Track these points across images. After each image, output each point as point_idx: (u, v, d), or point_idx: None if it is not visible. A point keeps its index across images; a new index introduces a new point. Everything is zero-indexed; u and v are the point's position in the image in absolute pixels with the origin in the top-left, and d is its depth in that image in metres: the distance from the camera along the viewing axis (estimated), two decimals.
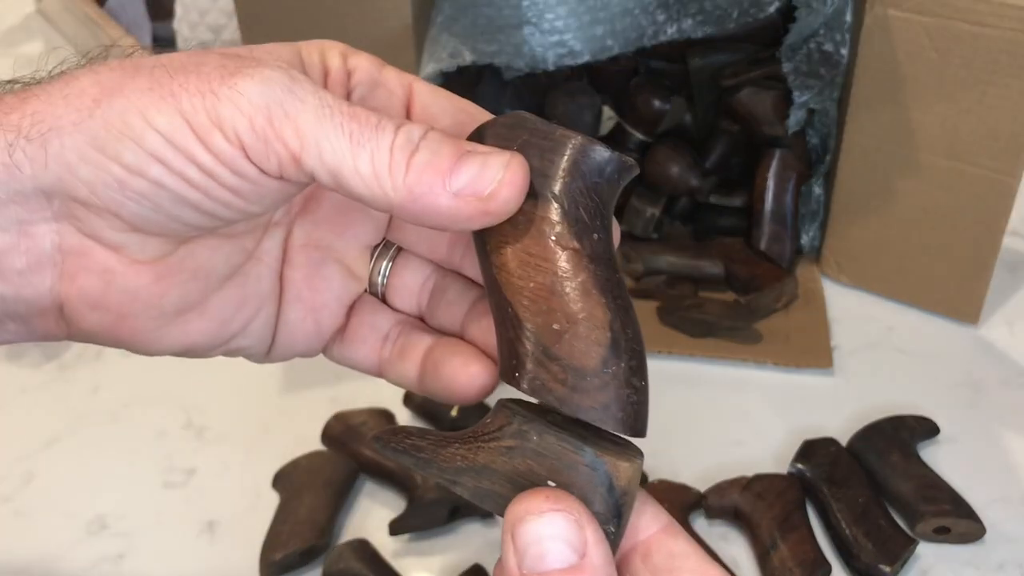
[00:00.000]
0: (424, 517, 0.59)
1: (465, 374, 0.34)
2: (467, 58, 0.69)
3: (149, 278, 0.31)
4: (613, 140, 0.80)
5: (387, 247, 0.37)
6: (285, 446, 0.64)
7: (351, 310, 0.37)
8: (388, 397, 0.67)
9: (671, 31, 0.72)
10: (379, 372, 0.37)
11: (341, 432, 0.63)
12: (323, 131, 0.29)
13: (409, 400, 0.66)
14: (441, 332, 0.36)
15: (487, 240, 0.31)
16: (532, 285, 0.30)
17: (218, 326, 0.34)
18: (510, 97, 0.78)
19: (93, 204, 0.29)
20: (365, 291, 0.37)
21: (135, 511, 0.61)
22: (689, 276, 0.76)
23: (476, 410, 0.65)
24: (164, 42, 1.04)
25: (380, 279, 0.37)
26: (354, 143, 0.29)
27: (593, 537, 0.29)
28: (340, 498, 0.60)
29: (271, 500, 0.61)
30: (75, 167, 0.29)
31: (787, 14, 0.70)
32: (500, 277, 0.31)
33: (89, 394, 0.70)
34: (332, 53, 0.34)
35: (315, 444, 0.64)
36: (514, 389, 0.31)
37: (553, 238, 0.30)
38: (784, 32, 0.70)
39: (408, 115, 0.34)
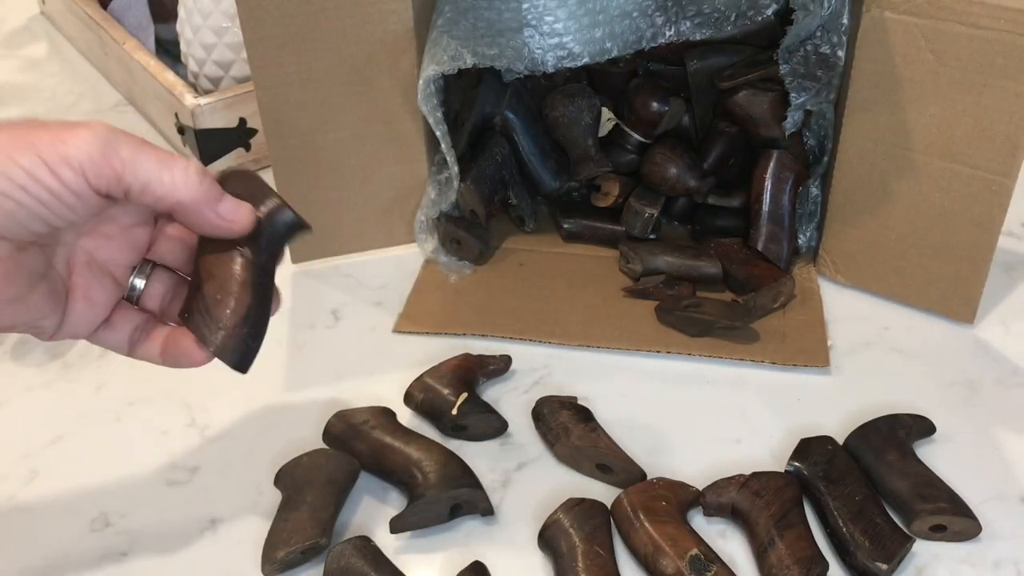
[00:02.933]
0: (425, 515, 0.59)
1: (195, 349, 0.52)
2: (468, 61, 0.69)
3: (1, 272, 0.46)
4: (612, 141, 0.81)
5: (143, 266, 0.54)
6: (287, 444, 0.64)
7: (114, 308, 0.53)
8: (388, 396, 0.68)
9: (669, 33, 0.73)
10: (129, 352, 0.54)
11: (343, 430, 0.63)
12: (139, 158, 0.46)
13: (410, 399, 0.67)
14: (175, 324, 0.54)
15: (205, 243, 0.51)
16: (216, 272, 0.51)
17: (34, 312, 0.49)
18: (510, 98, 0.78)
19: None
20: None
21: (138, 509, 0.62)
22: (687, 276, 0.76)
23: (475, 409, 0.65)
24: (167, 44, 1.04)
25: (135, 290, 0.54)
26: (162, 165, 0.47)
27: None
28: (342, 496, 0.61)
29: (273, 498, 0.61)
30: None
31: (784, 16, 0.70)
32: (200, 263, 0.51)
33: (93, 393, 0.70)
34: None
35: (317, 442, 0.64)
36: None
37: (239, 249, 0.50)
38: (781, 34, 0.70)
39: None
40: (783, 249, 0.76)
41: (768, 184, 0.75)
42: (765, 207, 0.76)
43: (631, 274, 0.78)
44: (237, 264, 0.50)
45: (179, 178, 0.46)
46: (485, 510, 0.60)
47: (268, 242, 0.51)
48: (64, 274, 0.51)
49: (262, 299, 0.51)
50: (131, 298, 0.54)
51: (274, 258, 0.52)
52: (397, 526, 0.59)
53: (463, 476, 0.60)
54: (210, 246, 0.51)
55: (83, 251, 0.51)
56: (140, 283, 0.54)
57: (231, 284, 0.50)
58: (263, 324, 0.52)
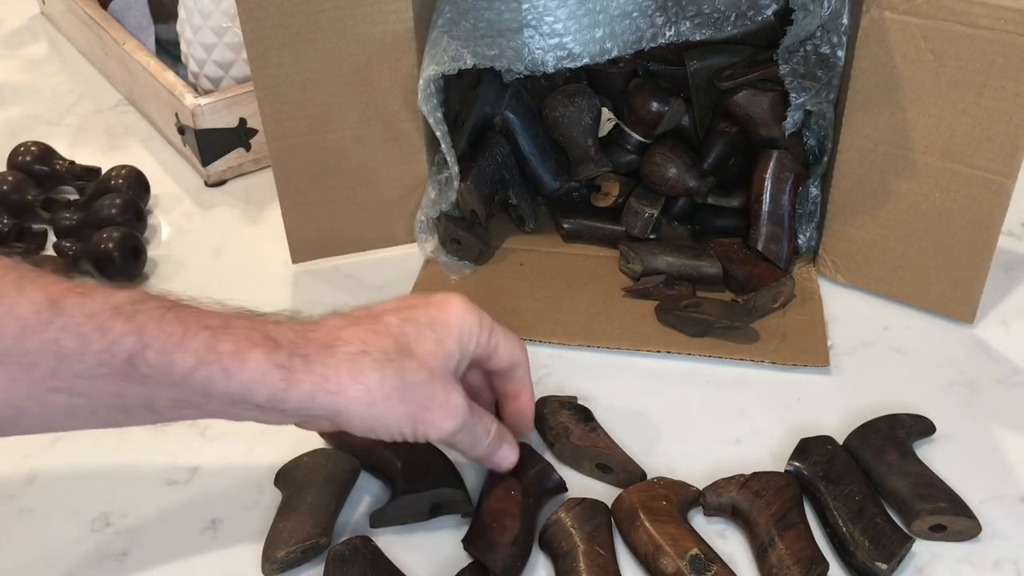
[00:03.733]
0: (404, 512, 0.59)
1: None
2: (468, 61, 0.69)
3: None
4: (612, 141, 0.81)
5: None
6: (287, 444, 0.64)
7: None
8: None
9: (669, 34, 0.73)
10: None
11: None
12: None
13: None
14: None
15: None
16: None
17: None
18: (510, 98, 0.78)
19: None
20: None
21: (138, 509, 0.62)
22: (687, 276, 0.76)
23: None
24: (167, 44, 1.04)
25: None
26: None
27: None
28: (342, 496, 0.61)
29: (273, 498, 0.61)
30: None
31: (784, 17, 0.70)
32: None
33: None
34: (470, 342, 0.58)
35: (317, 442, 0.64)
36: None
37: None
38: (781, 34, 0.70)
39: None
40: (783, 249, 0.76)
41: (768, 184, 0.75)
42: (765, 207, 0.76)
43: (631, 274, 0.78)
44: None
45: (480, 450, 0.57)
46: (465, 512, 0.60)
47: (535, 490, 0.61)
48: None
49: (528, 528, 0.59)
50: None
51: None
52: (376, 521, 0.59)
53: (445, 476, 0.60)
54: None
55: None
56: None
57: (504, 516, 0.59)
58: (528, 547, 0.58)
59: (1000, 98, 0.64)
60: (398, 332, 0.52)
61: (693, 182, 0.77)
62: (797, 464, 0.61)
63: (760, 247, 0.76)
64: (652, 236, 0.79)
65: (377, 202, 0.80)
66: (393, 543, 0.59)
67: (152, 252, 0.83)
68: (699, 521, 0.60)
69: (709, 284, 0.76)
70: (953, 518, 0.58)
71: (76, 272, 0.80)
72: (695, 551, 0.56)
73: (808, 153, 0.77)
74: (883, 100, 0.69)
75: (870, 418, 0.64)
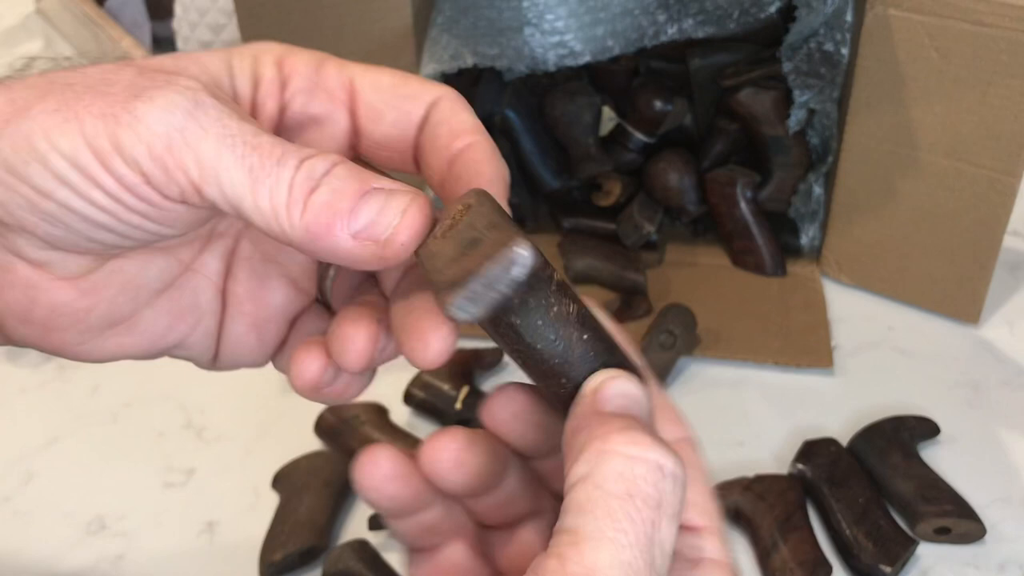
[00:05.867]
0: None
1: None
2: (469, 61, 0.69)
3: (73, 294, 0.31)
4: (614, 140, 0.80)
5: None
6: (285, 446, 0.64)
7: (294, 322, 0.36)
8: (386, 397, 0.67)
9: (672, 31, 0.72)
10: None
11: (333, 424, 0.63)
12: (223, 163, 0.28)
13: (410, 398, 0.66)
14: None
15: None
16: None
17: (150, 340, 0.34)
18: (510, 97, 0.78)
19: (9, 223, 0.29)
20: (313, 301, 0.36)
21: (135, 511, 0.61)
22: (610, 284, 0.76)
23: (479, 401, 0.65)
24: (164, 42, 1.04)
25: (328, 287, 0.36)
26: (253, 178, 0.28)
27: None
28: (340, 498, 0.60)
29: (271, 500, 0.61)
30: None
31: (787, 14, 0.70)
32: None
33: (88, 394, 0.70)
34: (265, 60, 0.32)
35: (315, 444, 0.64)
36: None
37: None
38: (784, 32, 0.70)
39: (354, 117, 0.33)
40: (763, 258, 0.77)
41: (717, 205, 0.77)
42: (727, 228, 0.77)
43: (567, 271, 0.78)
44: None
45: (278, 203, 0.28)
46: None
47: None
48: (214, 280, 0.35)
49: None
50: (324, 299, 0.36)
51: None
52: (375, 524, 0.59)
53: None
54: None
55: (247, 244, 0.35)
56: (332, 274, 0.36)
57: None
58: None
59: (1005, 96, 0.64)
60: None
61: (690, 207, 0.77)
62: (801, 466, 0.61)
63: (735, 262, 0.78)
64: (653, 237, 0.79)
65: None
66: (391, 546, 0.59)
67: None
68: None
69: (633, 293, 0.75)
70: (958, 520, 0.58)
71: None
72: None
73: (812, 152, 0.76)
74: (887, 98, 0.68)
75: (874, 420, 0.63)
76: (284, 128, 0.33)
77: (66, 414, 0.68)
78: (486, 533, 0.35)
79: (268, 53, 0.32)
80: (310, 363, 0.32)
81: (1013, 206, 0.67)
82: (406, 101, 0.32)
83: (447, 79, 0.74)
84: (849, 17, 0.69)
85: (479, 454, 0.32)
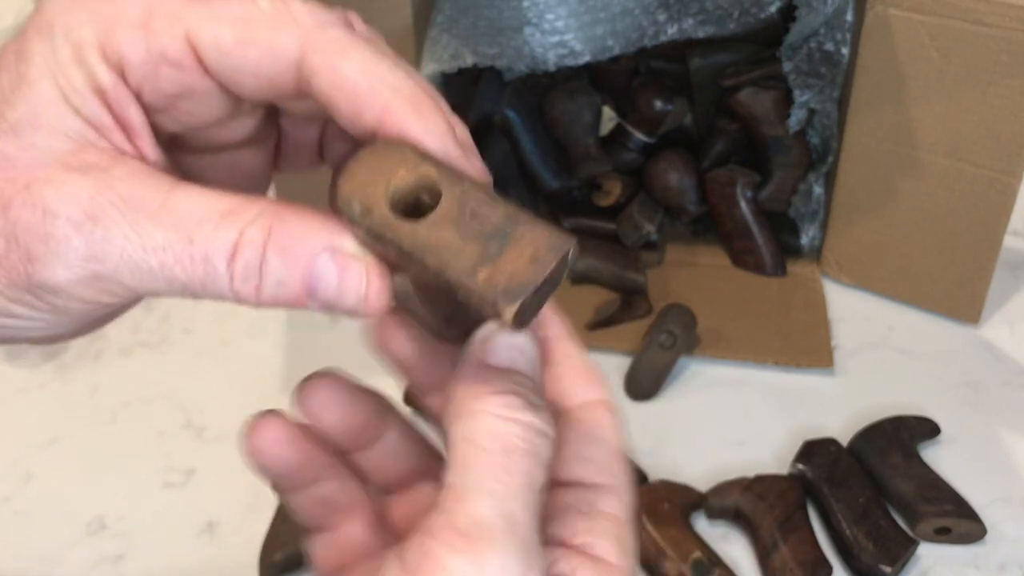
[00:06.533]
0: None
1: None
2: (469, 60, 0.69)
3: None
4: (614, 140, 0.80)
5: None
6: None
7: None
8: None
9: (672, 31, 0.72)
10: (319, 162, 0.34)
11: None
12: (153, 286, 0.27)
13: (410, 400, 0.66)
14: None
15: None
16: None
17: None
18: (509, 96, 0.77)
19: None
20: None
21: (134, 511, 0.61)
22: (610, 284, 0.76)
23: None
24: None
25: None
26: (191, 291, 0.27)
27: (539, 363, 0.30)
28: None
29: (271, 500, 0.60)
30: None
31: (788, 13, 0.70)
32: None
33: (88, 394, 0.70)
34: (89, 58, 0.27)
35: None
36: None
37: None
38: (784, 32, 0.70)
39: (209, 74, 0.28)
40: (763, 258, 0.77)
41: (717, 205, 0.76)
42: (727, 228, 0.77)
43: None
44: None
45: (227, 298, 0.28)
46: None
47: None
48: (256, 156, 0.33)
49: None
50: None
51: None
52: None
53: None
54: None
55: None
56: None
57: None
58: None
59: (1005, 96, 0.64)
60: None
61: (690, 207, 0.77)
62: (801, 466, 0.61)
63: (735, 262, 0.77)
64: (653, 237, 0.79)
65: None
66: None
67: None
68: (702, 524, 0.60)
69: (633, 293, 0.75)
70: (958, 520, 0.58)
71: None
72: (698, 555, 0.55)
73: (812, 152, 0.76)
74: (887, 98, 0.68)
75: (874, 420, 0.63)
76: (163, 118, 0.29)
77: (66, 414, 0.68)
78: (385, 503, 0.35)
79: (88, 46, 0.27)
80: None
81: (1013, 206, 0.67)
82: (259, 66, 0.28)
83: (447, 79, 0.74)
84: (849, 17, 0.69)
85: (355, 398, 0.33)
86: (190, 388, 0.69)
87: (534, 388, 0.28)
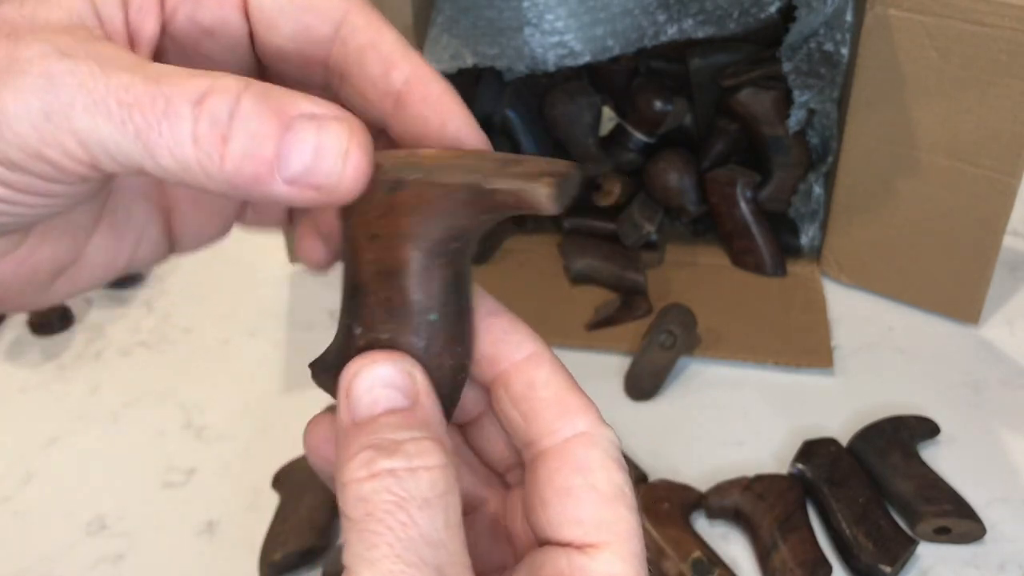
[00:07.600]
0: None
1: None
2: (469, 61, 0.69)
3: (12, 266, 0.28)
4: (614, 140, 0.80)
5: None
6: (285, 446, 0.64)
7: None
8: None
9: (672, 31, 0.72)
10: (288, 223, 0.33)
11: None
12: (104, 135, 0.24)
13: None
14: None
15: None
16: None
17: (102, 270, 0.31)
18: (509, 97, 0.77)
19: None
20: None
21: (134, 511, 0.61)
22: (611, 284, 0.76)
23: None
24: None
25: None
26: (144, 142, 0.24)
27: (424, 385, 0.28)
28: None
29: (271, 500, 0.61)
30: None
31: (787, 14, 0.70)
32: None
33: (88, 394, 0.70)
34: None
35: None
36: None
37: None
38: (784, 32, 0.70)
39: (247, 16, 0.28)
40: (763, 257, 0.77)
41: (717, 205, 0.76)
42: (727, 228, 0.77)
43: (567, 272, 0.78)
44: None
45: (187, 161, 0.24)
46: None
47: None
48: (143, 191, 0.31)
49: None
50: None
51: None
52: None
53: None
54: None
55: None
56: None
57: None
58: None
59: (1005, 96, 0.64)
60: None
61: (690, 206, 0.77)
62: (800, 466, 0.61)
63: (735, 262, 0.77)
64: (653, 237, 0.79)
65: None
66: None
67: None
68: (701, 524, 0.60)
69: (633, 293, 0.75)
70: (958, 520, 0.58)
71: None
72: (697, 554, 0.55)
73: (812, 152, 0.76)
74: (887, 98, 0.68)
75: (874, 420, 0.63)
76: (174, 46, 0.28)
77: (66, 414, 0.68)
78: None
79: None
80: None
81: (1013, 206, 0.67)
82: (306, 13, 0.28)
83: (447, 79, 0.74)
84: (849, 17, 0.69)
85: None
86: (190, 388, 0.69)
87: (403, 419, 0.27)
